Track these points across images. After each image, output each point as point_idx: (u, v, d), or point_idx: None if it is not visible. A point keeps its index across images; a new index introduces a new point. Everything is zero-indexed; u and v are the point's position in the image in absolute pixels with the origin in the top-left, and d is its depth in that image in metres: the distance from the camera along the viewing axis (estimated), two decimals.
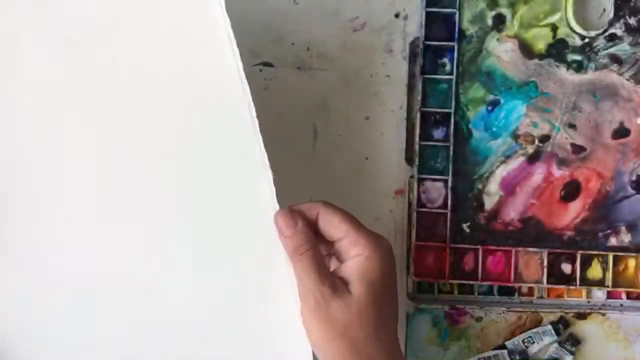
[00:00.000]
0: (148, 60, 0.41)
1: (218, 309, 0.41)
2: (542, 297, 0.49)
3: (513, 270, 0.48)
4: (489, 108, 0.48)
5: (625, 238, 0.48)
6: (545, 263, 0.48)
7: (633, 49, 0.48)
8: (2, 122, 0.40)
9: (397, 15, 0.48)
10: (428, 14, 0.47)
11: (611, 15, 0.48)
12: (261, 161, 0.40)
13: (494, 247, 0.48)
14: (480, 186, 0.48)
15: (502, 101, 0.48)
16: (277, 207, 0.39)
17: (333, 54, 0.48)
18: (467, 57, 0.48)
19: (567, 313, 0.48)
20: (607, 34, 0.48)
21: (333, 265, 0.41)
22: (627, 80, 0.48)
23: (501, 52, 0.48)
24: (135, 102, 0.41)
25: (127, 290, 0.41)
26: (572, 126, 0.48)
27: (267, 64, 0.49)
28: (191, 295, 0.41)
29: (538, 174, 0.48)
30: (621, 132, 0.48)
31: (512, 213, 0.48)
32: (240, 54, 0.40)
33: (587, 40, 0.48)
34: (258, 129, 0.40)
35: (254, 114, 0.40)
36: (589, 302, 0.49)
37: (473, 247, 0.48)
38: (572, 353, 0.48)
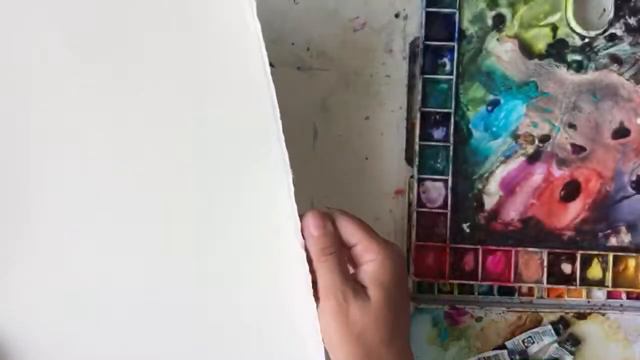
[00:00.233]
0: (177, 58, 0.41)
1: (233, 308, 0.41)
2: (542, 297, 0.49)
3: (513, 270, 0.48)
4: (489, 108, 0.48)
5: (625, 238, 0.48)
6: (545, 263, 0.48)
7: (633, 49, 0.48)
8: (24, 117, 0.40)
9: (397, 15, 0.48)
10: (428, 14, 0.47)
11: (611, 15, 0.48)
12: (283, 161, 0.40)
13: (494, 247, 0.48)
14: (480, 186, 0.48)
15: (502, 101, 0.48)
16: (295, 207, 0.40)
17: (333, 54, 0.48)
18: (467, 57, 0.48)
19: (567, 313, 0.48)
20: (607, 34, 0.48)
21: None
22: (627, 80, 0.48)
23: (501, 52, 0.48)
24: (163, 100, 0.41)
25: (143, 290, 0.41)
26: (572, 126, 0.48)
27: None
28: (206, 295, 0.41)
29: (538, 174, 0.48)
30: (621, 132, 0.48)
31: (512, 213, 0.48)
32: None
33: (587, 40, 0.48)
34: (281, 129, 0.40)
35: (278, 115, 0.40)
36: (589, 302, 0.49)
37: (473, 247, 0.48)
38: (572, 353, 0.48)
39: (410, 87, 0.48)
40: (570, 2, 0.47)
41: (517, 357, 0.48)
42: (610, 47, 0.48)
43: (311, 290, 0.39)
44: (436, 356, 0.48)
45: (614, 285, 0.48)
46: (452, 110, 0.48)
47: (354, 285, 0.39)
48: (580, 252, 0.48)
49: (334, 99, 0.48)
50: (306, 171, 0.48)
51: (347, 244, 0.40)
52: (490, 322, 0.48)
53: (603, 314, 0.48)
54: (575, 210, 0.48)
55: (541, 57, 0.48)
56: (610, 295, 0.49)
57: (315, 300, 0.39)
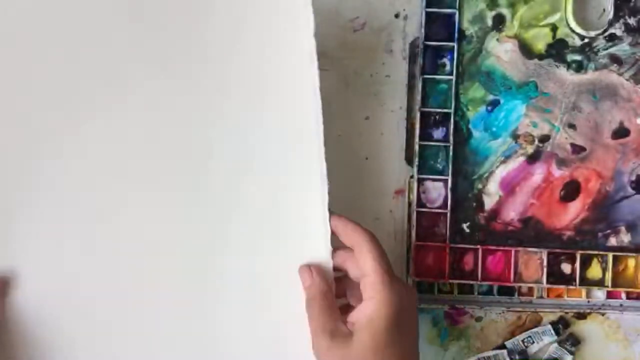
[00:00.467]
0: (231, 59, 0.43)
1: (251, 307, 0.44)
2: (541, 297, 0.49)
3: (513, 270, 0.48)
4: (489, 108, 0.48)
5: (625, 238, 0.48)
6: (545, 263, 0.48)
7: (633, 49, 0.48)
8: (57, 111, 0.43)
9: (397, 16, 0.48)
10: (428, 14, 0.47)
11: (611, 15, 0.48)
12: (320, 171, 0.43)
13: (493, 247, 0.48)
14: (480, 186, 0.48)
15: (502, 101, 0.48)
16: (328, 217, 0.43)
17: (333, 54, 0.48)
18: (467, 57, 0.48)
19: (566, 313, 0.48)
20: (607, 34, 0.48)
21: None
22: (627, 80, 0.48)
23: (501, 52, 0.48)
24: (222, 105, 0.43)
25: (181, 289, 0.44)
26: (571, 126, 0.48)
27: None
28: (226, 291, 0.43)
29: (538, 174, 0.48)
30: (621, 132, 0.48)
31: (512, 213, 0.48)
32: None
33: (587, 40, 0.48)
34: (322, 139, 0.42)
35: (321, 127, 0.42)
36: (588, 302, 0.49)
37: (473, 247, 0.48)
38: (572, 353, 0.48)
39: (410, 87, 0.48)
40: (570, 2, 0.47)
41: (517, 357, 0.48)
42: (610, 47, 0.48)
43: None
44: (436, 356, 0.49)
45: (614, 285, 0.48)
46: (452, 110, 0.48)
47: (335, 331, 0.40)
48: (580, 252, 0.48)
49: (334, 99, 0.48)
50: None
51: (361, 270, 0.41)
52: (490, 322, 0.48)
53: (603, 314, 0.48)
54: (575, 210, 0.48)
55: (541, 57, 0.48)
56: (610, 295, 0.49)
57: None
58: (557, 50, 0.48)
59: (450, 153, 0.48)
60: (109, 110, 0.43)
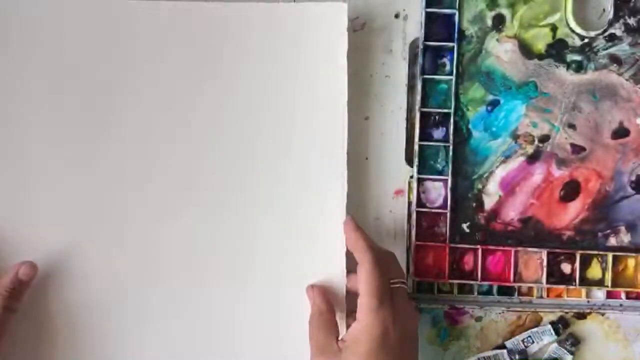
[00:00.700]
0: (273, 82, 0.46)
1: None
2: (541, 297, 0.49)
3: (512, 270, 0.48)
4: (489, 108, 0.48)
5: (625, 238, 0.48)
6: (545, 263, 0.48)
7: (632, 49, 0.48)
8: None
9: (397, 16, 0.48)
10: (428, 14, 0.48)
11: (611, 15, 0.48)
12: (342, 175, 0.46)
13: (493, 247, 0.48)
14: (479, 186, 0.48)
15: (501, 101, 0.48)
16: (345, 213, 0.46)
17: None
18: (467, 57, 0.48)
19: (566, 313, 0.48)
20: (606, 34, 0.48)
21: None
22: (627, 80, 0.48)
23: (501, 52, 0.48)
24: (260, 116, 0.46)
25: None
26: (571, 126, 0.48)
27: None
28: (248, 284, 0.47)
29: (538, 174, 0.48)
30: (621, 132, 0.48)
31: (512, 213, 0.48)
32: None
33: (586, 40, 0.48)
34: (346, 150, 0.46)
35: (345, 142, 0.46)
36: (588, 302, 0.49)
37: (473, 247, 0.48)
38: (571, 353, 0.48)
39: (410, 87, 0.48)
40: (570, 3, 0.47)
41: (517, 356, 0.48)
42: (610, 47, 0.48)
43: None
44: (436, 356, 0.49)
45: (614, 285, 0.48)
46: (452, 111, 0.48)
47: (331, 345, 0.42)
48: (580, 252, 0.48)
49: None
50: None
51: (359, 292, 0.42)
52: (490, 321, 0.49)
53: (602, 314, 0.48)
54: (574, 210, 0.48)
55: (541, 57, 0.48)
56: (609, 295, 0.49)
57: None
58: (557, 50, 0.48)
59: (450, 153, 0.48)
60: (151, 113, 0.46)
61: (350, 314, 0.44)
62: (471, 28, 0.48)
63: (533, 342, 0.48)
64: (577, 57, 0.48)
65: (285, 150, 0.46)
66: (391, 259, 0.44)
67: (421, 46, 0.48)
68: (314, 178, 0.46)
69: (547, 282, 0.48)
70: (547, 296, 0.49)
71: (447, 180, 0.48)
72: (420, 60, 0.48)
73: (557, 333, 0.48)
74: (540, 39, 0.48)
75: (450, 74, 0.48)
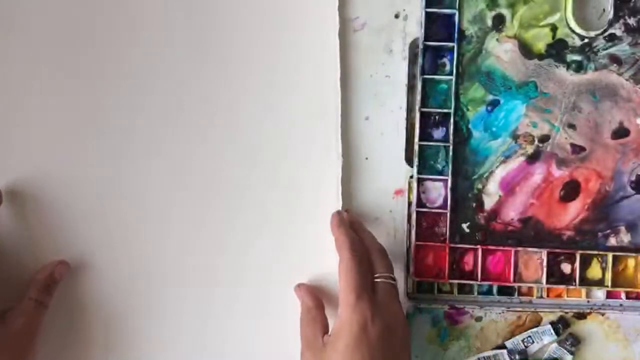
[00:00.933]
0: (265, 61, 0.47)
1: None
2: (541, 297, 0.49)
3: (512, 270, 0.48)
4: (489, 108, 0.48)
5: (625, 238, 0.48)
6: (545, 263, 0.48)
7: (632, 49, 0.48)
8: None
9: (397, 16, 0.48)
10: (428, 14, 0.48)
11: (611, 15, 0.48)
12: (337, 172, 0.47)
13: (493, 247, 0.48)
14: (479, 186, 0.48)
15: (501, 101, 0.48)
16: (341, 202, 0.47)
17: None
18: (467, 57, 0.48)
19: (566, 313, 0.48)
20: (606, 34, 0.48)
21: None
22: (627, 80, 0.48)
23: (501, 52, 0.48)
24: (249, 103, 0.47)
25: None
26: (571, 126, 0.48)
27: None
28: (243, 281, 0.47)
29: (537, 174, 0.48)
30: (621, 132, 0.48)
31: (512, 213, 0.48)
32: None
33: (586, 40, 0.48)
34: (340, 147, 0.47)
35: (339, 136, 0.47)
36: (588, 302, 0.49)
37: (473, 247, 0.48)
38: (571, 353, 0.48)
39: (410, 87, 0.48)
40: (570, 2, 0.47)
41: (517, 356, 0.48)
42: (610, 47, 0.48)
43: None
44: (436, 356, 0.49)
45: (614, 285, 0.48)
46: (451, 111, 0.48)
47: (316, 339, 0.43)
48: (580, 252, 0.48)
49: None
50: None
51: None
52: (490, 321, 0.49)
53: (602, 314, 0.48)
54: (574, 210, 0.48)
55: (541, 57, 0.48)
56: (609, 295, 0.49)
57: None
58: (557, 50, 0.48)
59: (450, 153, 0.48)
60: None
61: None
62: (471, 28, 0.48)
63: (533, 342, 0.48)
64: (577, 57, 0.48)
65: (278, 149, 0.47)
66: (378, 255, 0.44)
67: (421, 46, 0.48)
68: (309, 177, 0.47)
69: (547, 282, 0.48)
70: (547, 296, 0.49)
71: (447, 180, 0.48)
72: (420, 60, 0.48)
73: (557, 333, 0.48)
74: (540, 39, 0.48)
75: (450, 74, 0.48)
